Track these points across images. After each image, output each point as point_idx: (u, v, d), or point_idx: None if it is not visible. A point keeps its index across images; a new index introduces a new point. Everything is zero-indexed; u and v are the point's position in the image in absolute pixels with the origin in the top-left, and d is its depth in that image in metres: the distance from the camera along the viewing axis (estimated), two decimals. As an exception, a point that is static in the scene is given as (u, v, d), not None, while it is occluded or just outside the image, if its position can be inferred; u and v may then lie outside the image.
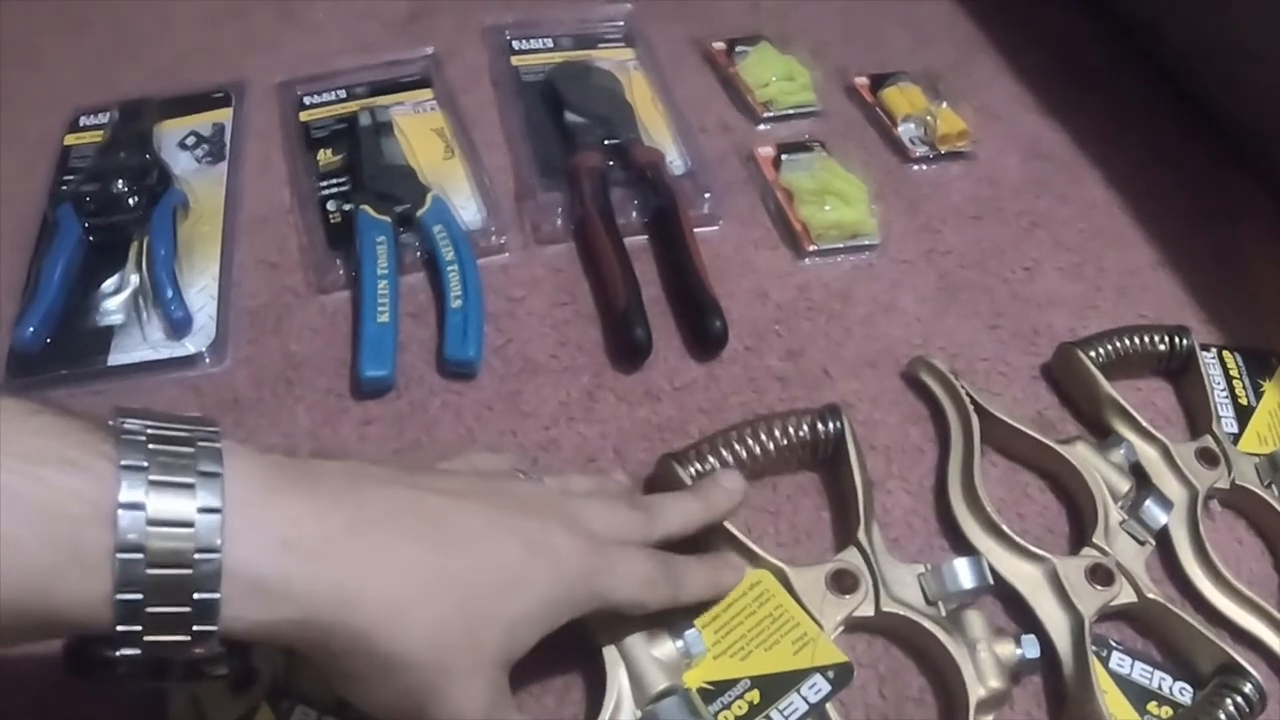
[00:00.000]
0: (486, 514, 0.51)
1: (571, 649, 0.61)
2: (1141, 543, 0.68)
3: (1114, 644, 0.65)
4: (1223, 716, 0.61)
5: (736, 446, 0.68)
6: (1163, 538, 0.69)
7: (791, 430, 0.69)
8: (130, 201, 0.82)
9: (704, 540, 0.66)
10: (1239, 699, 0.61)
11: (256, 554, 0.42)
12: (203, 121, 0.93)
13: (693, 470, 0.67)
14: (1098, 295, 0.86)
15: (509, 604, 0.49)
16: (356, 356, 0.75)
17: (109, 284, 0.79)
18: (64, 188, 0.86)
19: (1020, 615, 0.66)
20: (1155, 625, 0.66)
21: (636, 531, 0.57)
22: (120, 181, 0.83)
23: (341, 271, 0.81)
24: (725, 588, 0.62)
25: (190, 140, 0.91)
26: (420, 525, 0.49)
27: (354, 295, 0.79)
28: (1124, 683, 0.63)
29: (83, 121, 0.92)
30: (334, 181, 0.87)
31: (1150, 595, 0.65)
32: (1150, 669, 0.64)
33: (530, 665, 0.61)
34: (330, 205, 0.85)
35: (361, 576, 0.45)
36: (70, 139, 0.91)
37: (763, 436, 0.68)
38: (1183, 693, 0.64)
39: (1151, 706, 0.63)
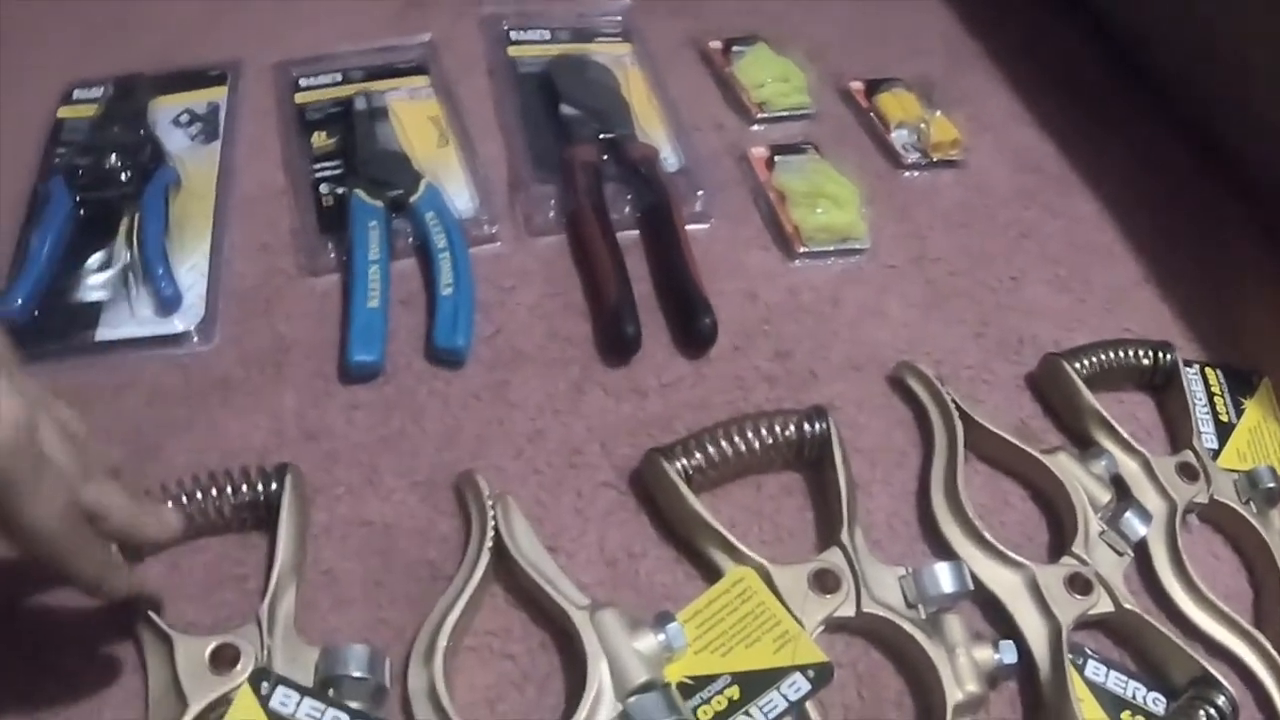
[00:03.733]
0: None
1: (555, 640, 0.62)
2: (1120, 554, 0.68)
3: (1090, 652, 0.65)
4: (1197, 727, 0.61)
5: (723, 443, 0.68)
6: (1140, 550, 0.70)
7: (778, 430, 0.69)
8: (122, 176, 0.83)
9: (691, 538, 0.67)
10: (1212, 711, 0.62)
11: None
12: (197, 100, 0.92)
13: (679, 465, 0.67)
14: (1083, 308, 0.86)
15: None
16: (345, 340, 0.75)
17: (98, 259, 0.79)
18: (56, 160, 0.86)
19: (998, 621, 0.66)
20: (1131, 636, 0.67)
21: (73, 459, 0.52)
22: (113, 156, 0.83)
23: (333, 255, 0.81)
24: (143, 528, 0.57)
25: (184, 118, 0.91)
26: None
27: (344, 279, 0.79)
28: (1099, 691, 0.63)
29: (77, 95, 0.92)
30: (327, 165, 0.87)
31: (1127, 606, 0.65)
32: (1125, 678, 0.64)
33: (514, 655, 0.62)
34: (323, 188, 0.85)
35: None
36: (63, 112, 0.90)
37: (749, 434, 0.69)
38: (1156, 703, 0.64)
39: (1125, 716, 0.63)
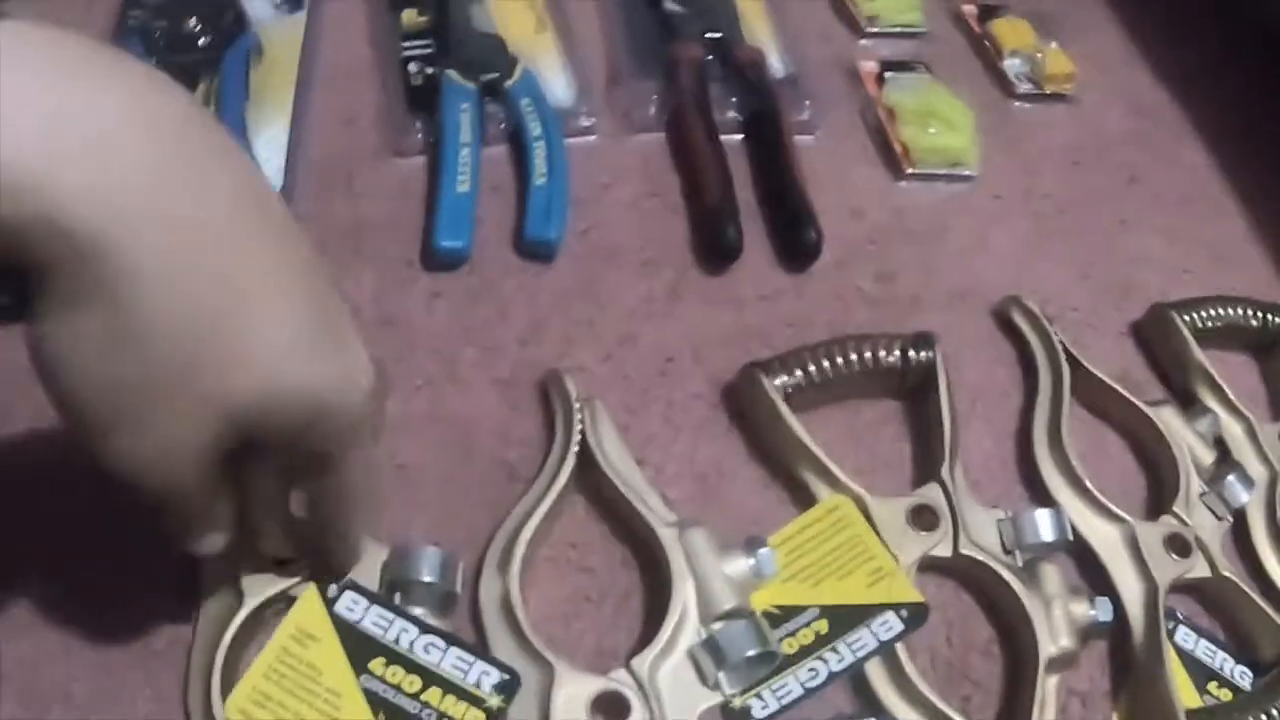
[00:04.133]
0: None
1: (637, 555, 0.60)
2: (1219, 518, 0.65)
3: (1180, 617, 0.62)
4: (1285, 706, 0.59)
5: (824, 362, 0.65)
6: (1237, 517, 0.67)
7: (882, 353, 0.66)
8: (201, 41, 0.79)
9: (785, 459, 0.64)
10: (1299, 690, 0.59)
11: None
12: (285, -33, 0.89)
13: (777, 381, 0.64)
14: (1190, 259, 0.83)
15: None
16: (431, 225, 0.72)
17: (173, 125, 0.76)
18: (131, 21, 0.82)
19: (1091, 576, 0.63)
20: (1225, 604, 0.64)
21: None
22: (192, 20, 0.80)
23: (420, 135, 0.77)
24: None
25: (269, -16, 0.87)
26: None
27: (431, 161, 0.76)
28: (1187, 659, 0.61)
29: (155, -46, 0.88)
30: (418, 43, 0.84)
31: (1225, 573, 0.63)
32: (1214, 648, 0.62)
33: (593, 569, 0.59)
34: (412, 67, 0.82)
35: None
36: (141, -27, 0.87)
37: (851, 356, 0.66)
38: (1243, 676, 0.61)
39: (1212, 686, 0.60)
